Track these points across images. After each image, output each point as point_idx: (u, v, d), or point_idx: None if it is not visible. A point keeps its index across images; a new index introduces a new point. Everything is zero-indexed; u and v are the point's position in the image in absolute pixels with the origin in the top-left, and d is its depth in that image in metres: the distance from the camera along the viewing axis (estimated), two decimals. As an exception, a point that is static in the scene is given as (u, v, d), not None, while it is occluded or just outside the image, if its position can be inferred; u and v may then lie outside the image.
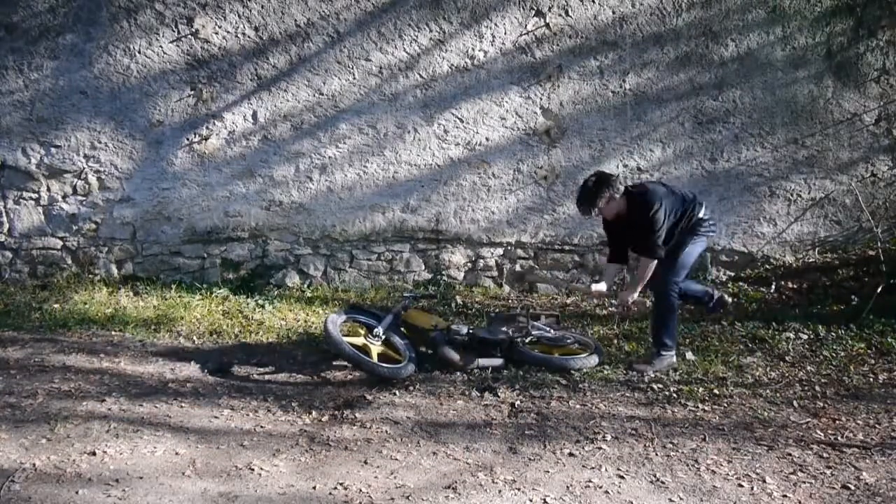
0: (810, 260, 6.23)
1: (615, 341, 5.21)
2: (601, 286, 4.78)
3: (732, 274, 6.31)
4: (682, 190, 4.70)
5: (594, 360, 4.65)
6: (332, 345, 4.39)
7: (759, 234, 6.27)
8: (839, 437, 3.62)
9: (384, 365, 4.40)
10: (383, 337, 4.61)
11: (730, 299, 5.12)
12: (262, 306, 5.79)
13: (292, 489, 3.08)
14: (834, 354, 4.83)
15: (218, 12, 5.98)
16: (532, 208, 6.30)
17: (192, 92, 6.09)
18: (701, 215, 4.56)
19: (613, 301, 5.15)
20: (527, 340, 4.78)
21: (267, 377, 4.51)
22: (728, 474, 3.25)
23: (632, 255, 4.79)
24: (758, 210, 6.24)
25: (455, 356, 4.54)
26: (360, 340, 4.54)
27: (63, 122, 6.10)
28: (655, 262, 4.48)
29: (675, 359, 4.66)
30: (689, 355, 4.82)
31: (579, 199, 4.47)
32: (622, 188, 4.51)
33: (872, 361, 4.71)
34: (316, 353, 4.92)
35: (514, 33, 6.05)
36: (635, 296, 4.68)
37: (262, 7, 5.98)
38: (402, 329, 4.82)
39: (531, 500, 3.01)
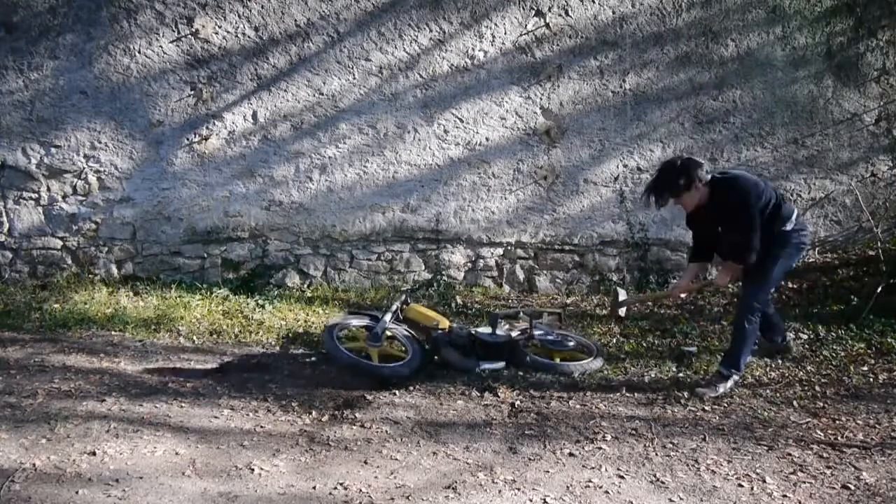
0: (810, 260, 6.23)
1: (615, 341, 5.20)
2: (680, 282, 4.31)
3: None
4: (769, 187, 4.11)
5: (596, 364, 4.65)
6: (333, 356, 4.43)
7: (759, 234, 6.27)
8: (839, 437, 3.61)
9: (390, 366, 4.41)
10: (384, 337, 4.62)
11: (794, 350, 4.66)
12: (262, 306, 5.79)
13: (292, 489, 3.08)
14: (834, 354, 4.82)
15: (218, 12, 5.98)
16: (532, 208, 6.30)
17: (192, 92, 6.09)
18: (794, 223, 4.06)
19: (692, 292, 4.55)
20: (529, 343, 4.78)
21: (267, 377, 4.51)
22: (728, 474, 3.24)
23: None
24: (758, 210, 6.24)
25: (456, 360, 4.54)
26: (359, 345, 4.55)
27: (63, 122, 6.10)
28: (741, 267, 3.95)
29: (735, 385, 4.24)
30: (692, 348, 4.85)
31: (655, 185, 3.95)
32: (707, 176, 3.95)
33: (872, 361, 4.70)
34: (316, 353, 4.92)
35: (514, 33, 6.05)
36: (725, 280, 4.17)
37: (262, 7, 5.98)
38: (404, 325, 4.83)
39: (531, 500, 3.01)
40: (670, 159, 4.10)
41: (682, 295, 4.16)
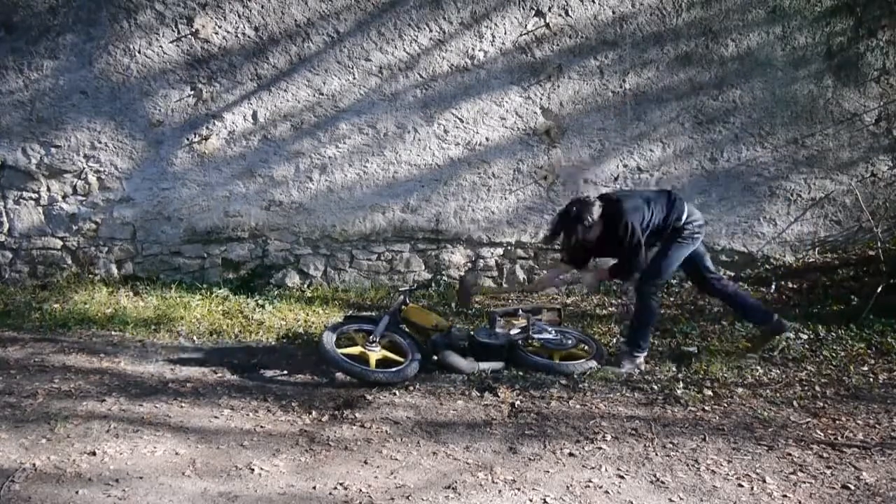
0: (810, 260, 6.23)
1: (615, 341, 5.20)
2: (545, 278, 5.08)
3: (732, 274, 6.30)
4: (660, 196, 4.61)
5: (594, 363, 4.64)
6: (329, 362, 4.42)
7: (759, 234, 6.27)
8: (839, 437, 3.62)
9: (387, 371, 4.39)
10: (382, 341, 4.61)
11: (790, 331, 4.91)
12: (262, 306, 5.80)
13: (292, 489, 3.08)
14: (834, 354, 4.83)
15: (218, 12, 5.98)
16: (532, 208, 6.30)
17: (192, 92, 6.09)
18: (684, 219, 4.52)
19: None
20: (528, 343, 4.78)
21: (267, 377, 4.51)
22: (728, 474, 3.25)
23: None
24: (758, 210, 6.24)
25: (455, 361, 4.54)
26: (357, 349, 4.53)
27: (63, 122, 6.10)
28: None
29: (644, 362, 4.68)
30: (691, 348, 4.85)
31: (556, 230, 4.53)
32: (598, 211, 4.43)
33: (872, 361, 4.71)
34: (316, 353, 4.92)
35: (514, 33, 6.05)
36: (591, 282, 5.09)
37: (262, 7, 5.98)
38: (404, 327, 4.82)
39: (531, 500, 3.01)
40: (565, 208, 4.57)
41: (546, 289, 4.98)
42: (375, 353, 4.51)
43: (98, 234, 6.30)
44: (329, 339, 4.44)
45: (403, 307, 4.89)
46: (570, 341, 4.84)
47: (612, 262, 4.67)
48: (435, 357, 4.64)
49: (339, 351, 4.42)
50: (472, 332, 4.72)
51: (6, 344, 4.95)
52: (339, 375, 4.54)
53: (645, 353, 4.69)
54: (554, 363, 4.65)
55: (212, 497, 3.01)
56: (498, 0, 6.00)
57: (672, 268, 4.66)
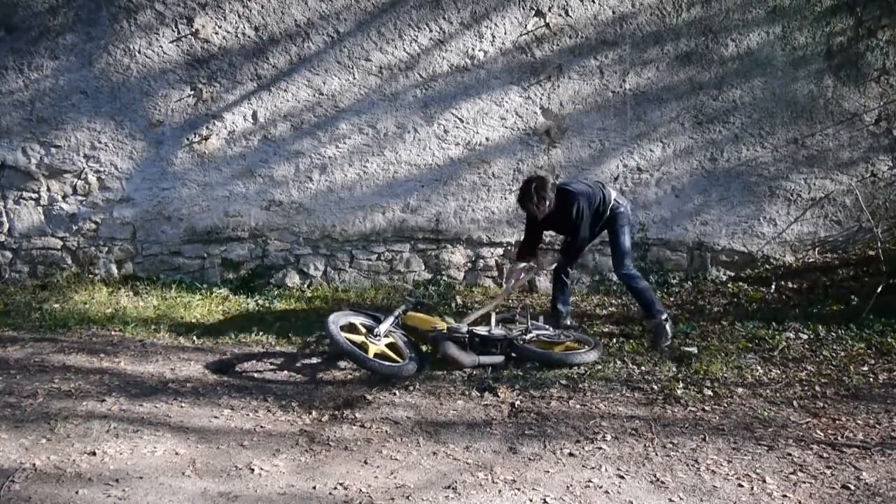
0: (810, 260, 6.23)
1: (614, 340, 5.21)
2: (508, 284, 5.42)
3: (732, 274, 6.31)
4: (595, 186, 5.19)
5: (594, 355, 4.67)
6: (331, 341, 4.43)
7: (759, 234, 6.27)
8: (839, 437, 3.62)
9: (384, 363, 4.42)
10: (385, 338, 4.64)
11: (568, 321, 5.47)
12: (263, 306, 5.79)
13: (292, 489, 3.08)
14: (834, 354, 4.82)
15: (218, 12, 5.98)
16: (532, 208, 6.29)
17: (192, 92, 6.09)
18: (613, 203, 5.11)
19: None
20: (526, 338, 4.79)
21: (267, 377, 4.51)
22: (728, 474, 3.25)
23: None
24: (758, 210, 6.24)
25: (456, 354, 4.55)
26: (359, 339, 4.57)
27: (63, 122, 6.10)
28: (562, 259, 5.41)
29: (670, 323, 5.14)
30: (692, 349, 4.86)
31: (518, 199, 5.06)
32: (553, 193, 4.95)
33: (872, 361, 4.71)
34: (316, 353, 4.92)
35: (514, 33, 6.05)
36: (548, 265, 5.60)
37: (262, 7, 5.98)
38: (403, 331, 4.86)
39: (531, 500, 3.01)
40: (527, 179, 5.11)
41: (516, 290, 5.57)
42: (375, 347, 4.55)
43: (98, 234, 6.30)
44: (335, 324, 4.50)
45: (404, 315, 4.93)
46: (569, 338, 4.88)
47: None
48: (435, 351, 4.65)
49: (343, 335, 4.47)
50: (471, 327, 4.75)
51: (6, 344, 4.95)
52: (338, 375, 4.55)
53: (664, 314, 5.10)
54: (553, 353, 4.68)
55: (212, 497, 3.01)
56: (498, 0, 6.00)
57: (628, 246, 5.16)
